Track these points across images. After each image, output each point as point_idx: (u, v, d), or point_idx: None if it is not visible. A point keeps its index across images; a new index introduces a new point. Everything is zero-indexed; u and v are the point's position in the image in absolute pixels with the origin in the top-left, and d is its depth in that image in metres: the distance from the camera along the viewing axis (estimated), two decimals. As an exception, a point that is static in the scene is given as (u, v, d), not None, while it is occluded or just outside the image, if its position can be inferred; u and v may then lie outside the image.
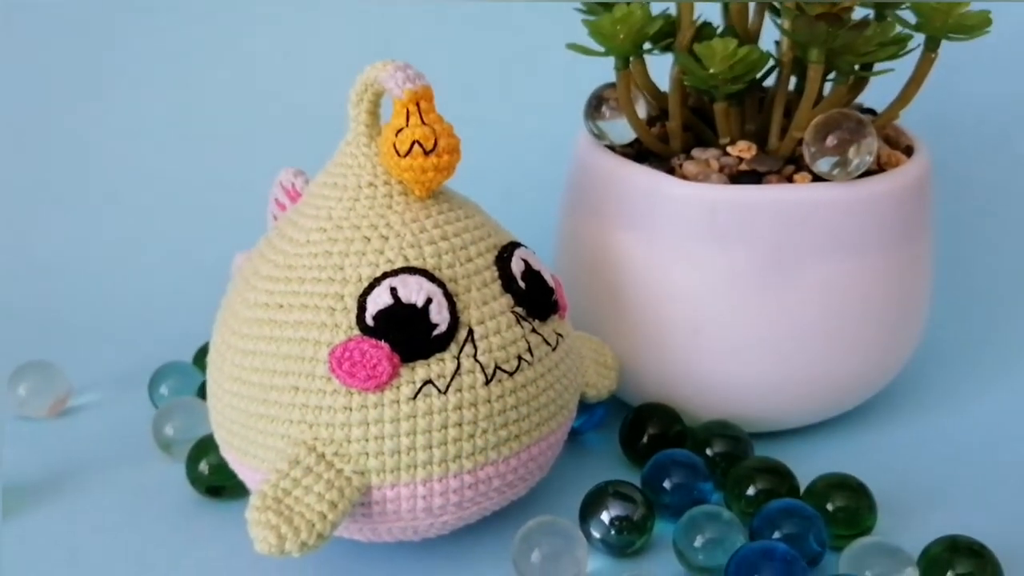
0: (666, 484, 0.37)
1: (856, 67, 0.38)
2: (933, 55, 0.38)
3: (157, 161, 0.62)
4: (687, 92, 0.41)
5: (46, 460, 0.42)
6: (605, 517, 0.36)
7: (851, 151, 0.37)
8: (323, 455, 0.32)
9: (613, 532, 0.35)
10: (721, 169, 0.39)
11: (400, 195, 0.34)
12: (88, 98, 0.63)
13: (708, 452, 0.39)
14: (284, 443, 0.33)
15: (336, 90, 0.60)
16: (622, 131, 0.41)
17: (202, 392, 0.44)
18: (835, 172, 0.37)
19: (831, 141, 0.37)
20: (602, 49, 0.40)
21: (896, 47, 0.37)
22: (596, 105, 0.41)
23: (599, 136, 0.41)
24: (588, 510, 0.36)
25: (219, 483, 0.39)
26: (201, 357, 0.47)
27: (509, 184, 0.47)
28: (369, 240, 0.33)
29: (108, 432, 0.44)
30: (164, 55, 0.63)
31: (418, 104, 0.33)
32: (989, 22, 0.37)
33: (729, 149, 0.40)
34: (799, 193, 0.37)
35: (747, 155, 0.39)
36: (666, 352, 0.40)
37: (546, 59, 0.55)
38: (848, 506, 0.36)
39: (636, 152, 0.42)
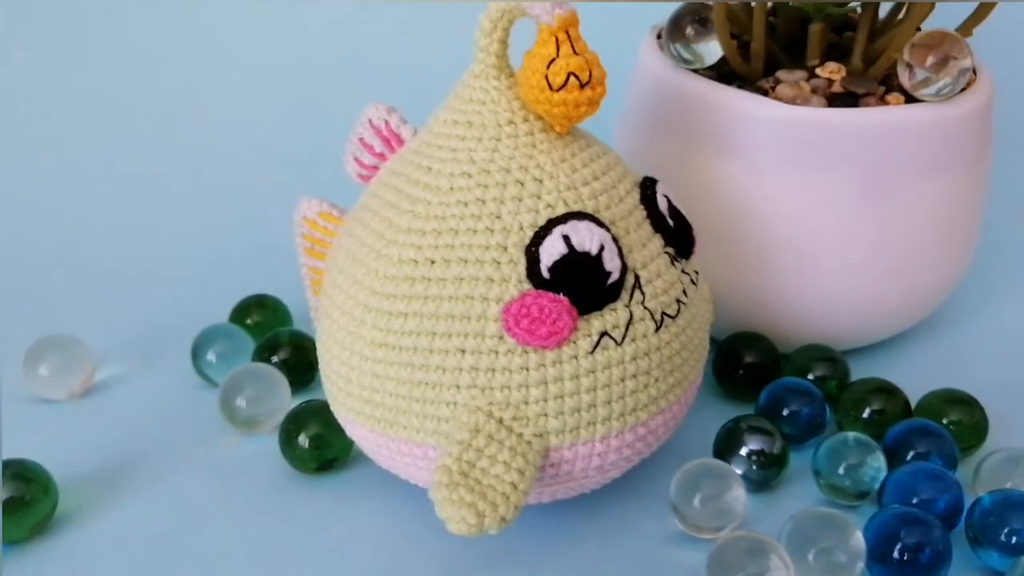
0: (784, 412, 0.37)
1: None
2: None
3: (163, 120, 0.56)
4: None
5: (95, 446, 0.37)
6: (744, 452, 0.35)
7: (953, 71, 0.37)
8: (500, 420, 0.30)
9: (755, 467, 0.35)
10: (814, 91, 0.39)
11: (541, 132, 0.31)
12: (105, 57, 0.56)
13: (809, 376, 0.40)
14: (450, 410, 0.30)
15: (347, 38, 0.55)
16: (705, 54, 0.39)
17: (259, 357, 0.40)
18: (945, 91, 0.37)
19: (934, 61, 0.37)
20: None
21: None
22: (682, 27, 0.39)
23: (690, 60, 0.39)
24: (725, 447, 0.36)
25: (329, 456, 0.35)
26: (239, 317, 0.43)
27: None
28: (523, 184, 0.30)
29: (153, 409, 0.39)
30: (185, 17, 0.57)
31: (568, 32, 0.30)
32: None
33: (818, 71, 0.39)
34: (903, 114, 0.37)
35: (837, 76, 0.39)
36: (764, 277, 0.39)
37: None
38: (962, 420, 0.37)
39: (717, 76, 0.40)
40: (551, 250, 0.30)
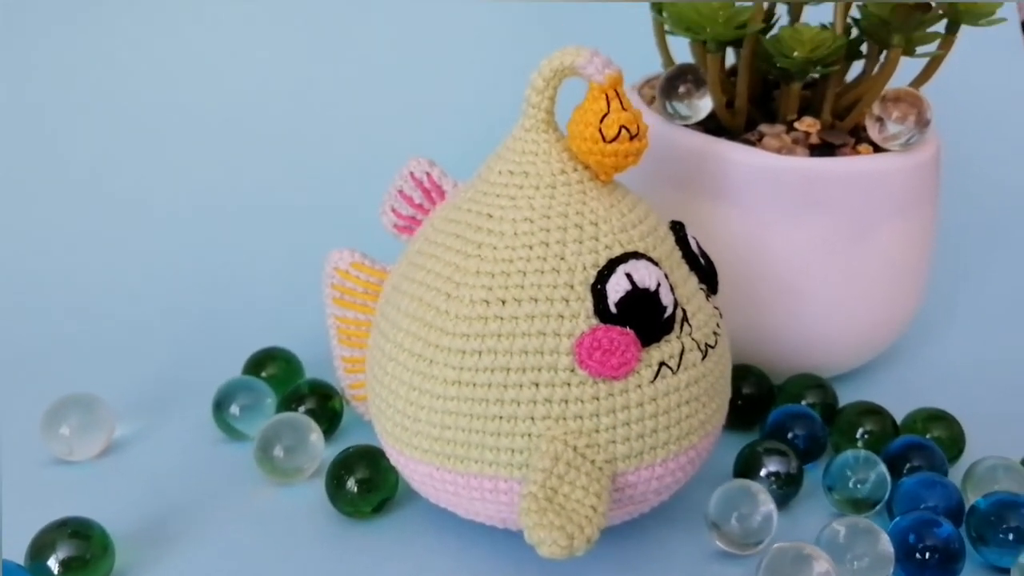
0: (789, 436, 0.41)
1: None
2: (953, 38, 0.44)
3: (174, 174, 0.56)
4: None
5: (130, 504, 0.37)
6: (764, 473, 0.38)
7: (919, 123, 0.42)
8: (575, 448, 0.32)
9: (774, 487, 0.38)
10: (795, 142, 0.43)
11: (590, 181, 0.34)
12: (128, 101, 0.56)
13: (803, 403, 0.43)
14: (525, 442, 0.32)
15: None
16: (701, 109, 0.43)
17: (285, 408, 0.40)
18: (912, 141, 0.42)
19: (901, 115, 0.42)
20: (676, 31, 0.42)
21: (937, 35, 0.43)
22: (674, 86, 0.43)
23: (687, 116, 0.43)
24: (745, 470, 0.39)
25: (381, 498, 0.36)
26: (254, 370, 0.43)
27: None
28: (581, 228, 0.33)
29: (179, 464, 0.39)
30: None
31: (616, 90, 0.33)
32: (993, 11, 0.43)
33: (796, 125, 0.43)
34: (878, 162, 0.42)
35: (813, 129, 0.43)
36: (756, 313, 0.43)
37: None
38: (941, 436, 0.41)
39: (704, 130, 0.44)
40: (617, 287, 0.32)
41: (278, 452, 0.38)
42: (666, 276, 0.33)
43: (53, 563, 0.32)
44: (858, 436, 0.41)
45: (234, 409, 0.40)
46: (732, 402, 0.42)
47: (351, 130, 0.56)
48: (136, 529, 0.35)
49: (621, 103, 0.33)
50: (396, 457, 0.35)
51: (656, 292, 0.32)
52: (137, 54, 0.57)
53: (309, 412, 0.40)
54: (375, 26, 0.58)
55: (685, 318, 0.34)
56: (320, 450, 0.39)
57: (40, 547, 0.32)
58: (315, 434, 0.38)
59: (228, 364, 0.43)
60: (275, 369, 0.43)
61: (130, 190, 0.55)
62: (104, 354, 0.46)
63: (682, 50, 0.46)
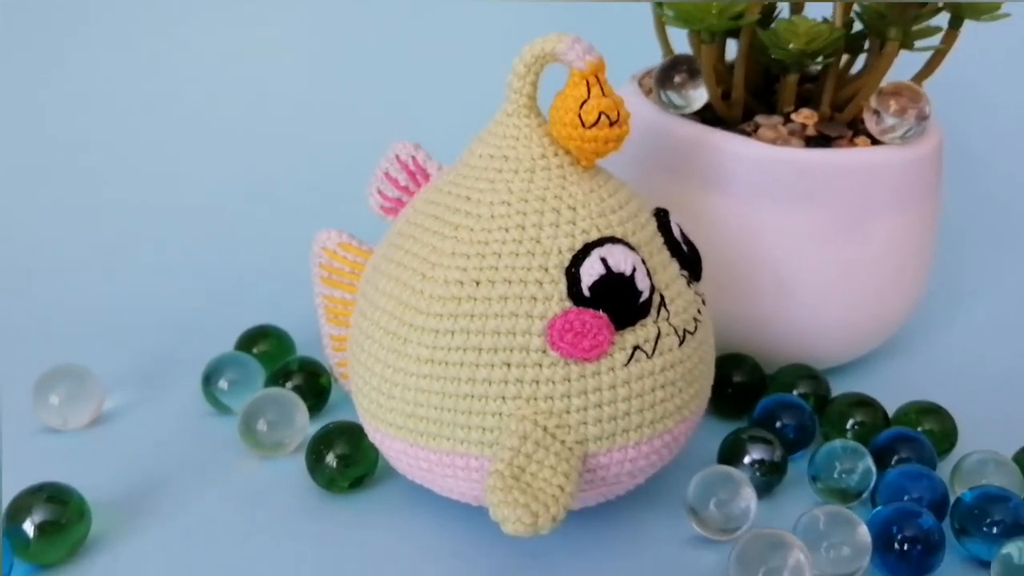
0: (777, 425, 0.40)
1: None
2: (956, 32, 0.44)
3: (171, 152, 0.58)
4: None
5: (114, 473, 0.38)
6: (747, 461, 0.38)
7: (916, 116, 0.41)
8: (545, 428, 0.32)
9: (757, 474, 0.38)
10: (791, 134, 0.42)
11: (570, 166, 0.34)
12: (121, 83, 0.58)
13: (794, 393, 0.43)
14: (495, 421, 0.32)
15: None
16: (695, 99, 0.43)
17: (273, 383, 0.41)
18: (910, 135, 0.41)
19: (899, 108, 0.41)
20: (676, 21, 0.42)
21: (937, 29, 0.42)
22: (670, 76, 0.43)
23: (681, 106, 0.43)
24: (729, 457, 0.38)
25: (359, 474, 0.37)
26: (246, 346, 0.43)
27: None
28: (559, 212, 0.33)
29: (166, 436, 0.40)
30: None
31: (597, 76, 0.33)
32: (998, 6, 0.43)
33: (793, 116, 0.43)
34: (874, 155, 0.41)
35: (810, 121, 0.43)
36: (749, 303, 0.43)
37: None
38: (933, 429, 0.41)
39: (700, 120, 0.44)
40: (591, 271, 0.32)
41: (261, 426, 0.38)
42: (643, 261, 0.33)
43: (28, 526, 0.32)
44: (848, 427, 0.41)
45: (223, 383, 0.41)
46: (723, 390, 0.43)
47: (342, 114, 0.57)
48: (117, 497, 0.36)
49: (602, 89, 0.33)
50: (373, 433, 0.35)
51: (631, 277, 0.32)
52: (134, 38, 0.58)
53: (297, 388, 0.41)
54: (366, 12, 0.59)
55: (663, 303, 0.34)
56: (304, 425, 0.39)
57: (16, 510, 0.33)
58: (299, 410, 0.39)
59: (222, 340, 0.44)
60: (267, 346, 0.43)
61: (129, 169, 0.56)
62: (102, 328, 0.46)
63: (683, 41, 0.46)
